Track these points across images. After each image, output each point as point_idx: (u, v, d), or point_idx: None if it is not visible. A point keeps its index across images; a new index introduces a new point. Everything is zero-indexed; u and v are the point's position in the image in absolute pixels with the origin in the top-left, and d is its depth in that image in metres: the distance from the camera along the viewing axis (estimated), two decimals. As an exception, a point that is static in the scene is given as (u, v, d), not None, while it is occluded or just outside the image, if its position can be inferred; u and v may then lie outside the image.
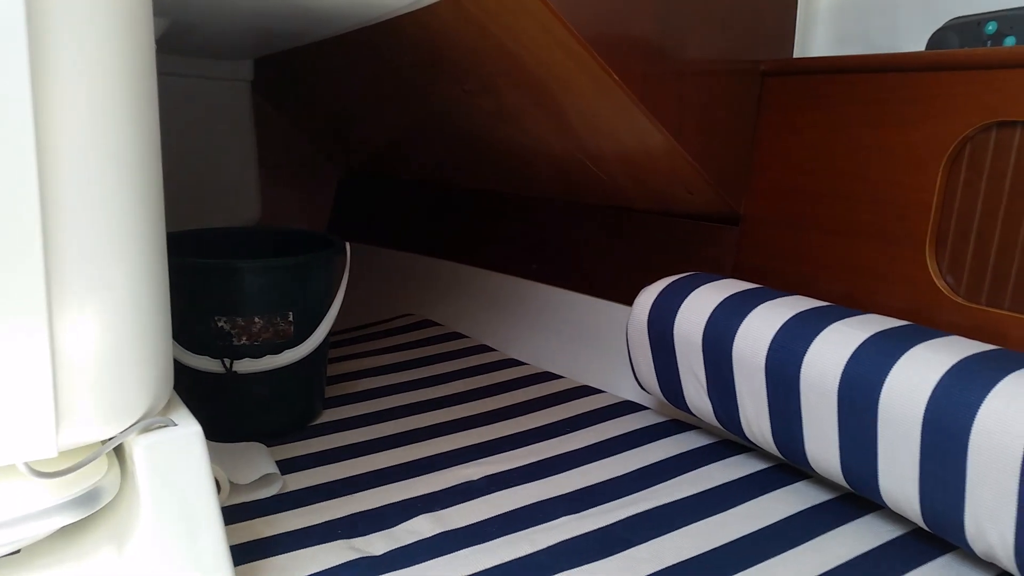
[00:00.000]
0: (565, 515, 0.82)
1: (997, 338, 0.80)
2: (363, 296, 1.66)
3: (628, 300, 1.19)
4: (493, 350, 1.36)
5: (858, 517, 0.81)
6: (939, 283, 0.86)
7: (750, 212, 1.07)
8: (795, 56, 1.06)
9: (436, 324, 1.49)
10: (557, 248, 1.34)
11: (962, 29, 0.86)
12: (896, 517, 0.81)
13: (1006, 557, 0.66)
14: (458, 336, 1.43)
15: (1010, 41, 0.81)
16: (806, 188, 1.00)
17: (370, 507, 0.84)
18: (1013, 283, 0.80)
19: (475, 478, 0.90)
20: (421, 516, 0.82)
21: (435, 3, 0.78)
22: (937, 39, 0.88)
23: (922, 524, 0.74)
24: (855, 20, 1.05)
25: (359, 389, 1.18)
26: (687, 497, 0.86)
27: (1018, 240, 0.80)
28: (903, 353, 0.74)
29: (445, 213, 1.59)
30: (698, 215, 1.12)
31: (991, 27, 0.83)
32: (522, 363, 1.29)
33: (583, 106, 0.99)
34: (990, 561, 0.69)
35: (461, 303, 1.51)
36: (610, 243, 1.24)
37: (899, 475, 0.73)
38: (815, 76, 0.97)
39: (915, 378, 0.71)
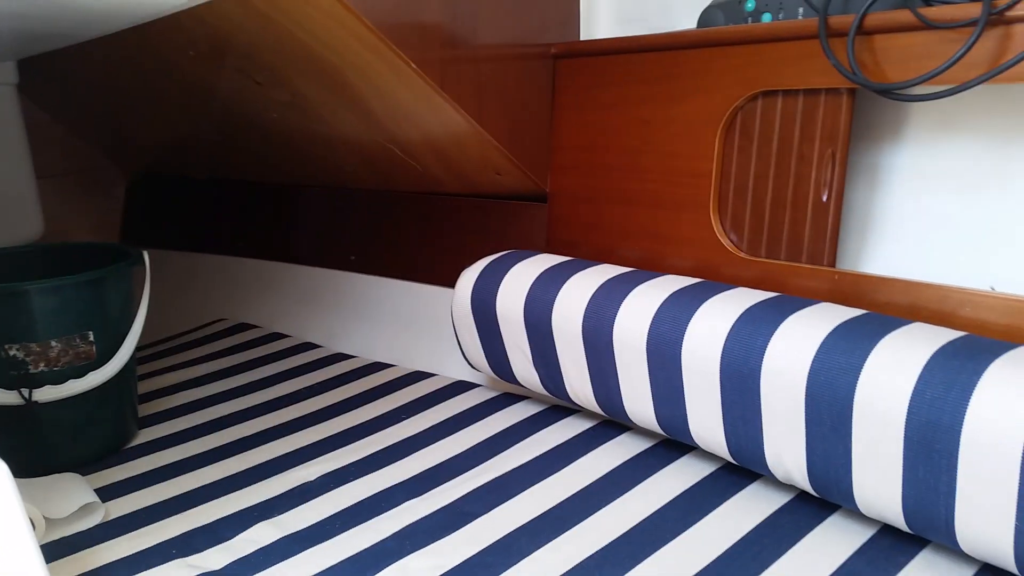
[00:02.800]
0: (408, 500, 0.84)
1: (777, 286, 0.90)
2: (171, 305, 1.57)
3: (450, 283, 1.21)
4: (318, 347, 1.33)
5: (676, 459, 0.89)
6: (724, 241, 0.94)
7: (555, 189, 1.12)
8: (582, 39, 1.12)
9: (253, 326, 1.44)
10: (374, 237, 1.33)
11: (726, 7, 0.94)
12: (708, 456, 0.89)
13: (801, 479, 0.76)
14: (279, 336, 1.39)
15: (767, 17, 0.90)
16: (602, 163, 1.06)
17: (204, 522, 0.81)
18: (786, 236, 0.90)
19: (312, 478, 0.89)
20: (259, 524, 0.80)
21: (217, -3, 0.76)
22: (706, 17, 0.96)
23: (730, 459, 0.83)
24: (634, 2, 1.12)
25: (177, 403, 1.12)
26: (524, 464, 0.90)
27: (787, 197, 0.89)
28: (698, 307, 0.81)
29: (252, 210, 1.54)
30: (509, 195, 1.16)
31: (750, 5, 0.92)
32: (350, 356, 1.28)
33: (384, 94, 0.99)
34: (789, 483, 0.78)
35: (279, 302, 1.47)
36: (427, 228, 1.26)
37: (706, 417, 0.81)
38: (600, 57, 1.04)
39: (710, 329, 0.79)
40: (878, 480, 0.68)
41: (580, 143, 1.08)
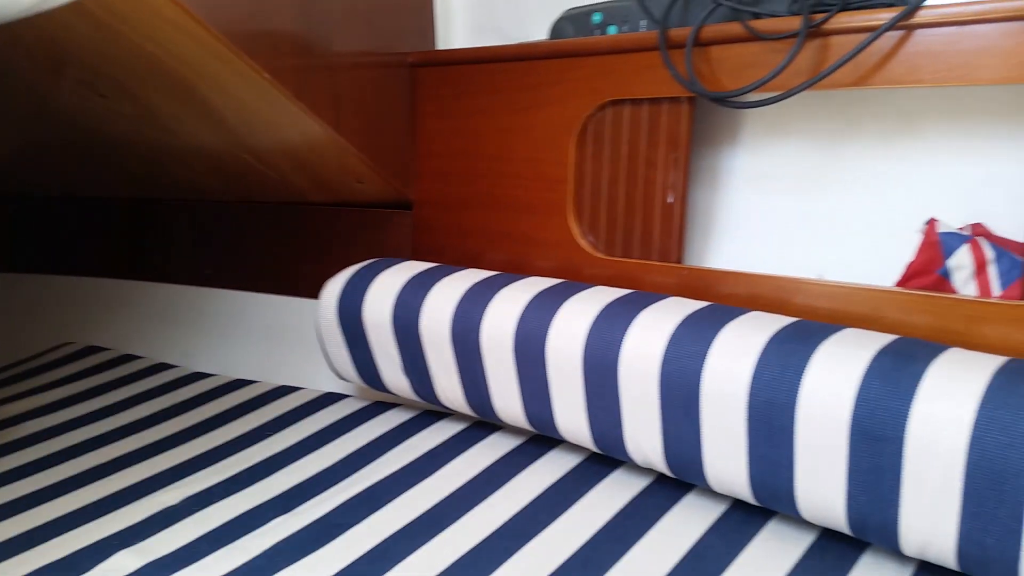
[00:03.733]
0: (277, 516, 0.82)
1: (632, 282, 0.95)
2: (21, 331, 1.46)
3: (314, 294, 1.19)
4: (174, 367, 1.28)
5: (544, 454, 0.92)
6: (582, 243, 0.99)
7: (420, 196, 1.13)
8: (439, 48, 1.14)
9: (103, 349, 1.37)
10: (232, 250, 1.30)
11: (575, 20, 0.99)
12: (575, 448, 0.92)
13: (659, 462, 0.80)
14: (131, 358, 1.32)
15: (613, 30, 0.95)
16: (465, 170, 1.08)
17: (59, 556, 0.76)
18: (638, 236, 0.95)
19: (175, 502, 0.86)
20: (120, 552, 0.76)
21: (55, 8, 0.72)
22: (557, 29, 1.00)
23: (595, 449, 0.86)
24: (487, 12, 1.14)
25: (23, 434, 1.05)
26: (396, 471, 0.90)
27: (637, 199, 0.94)
28: (560, 306, 0.84)
29: (99, 227, 1.46)
30: (372, 203, 1.16)
31: (597, 17, 0.96)
32: (209, 375, 1.24)
33: (237, 105, 0.97)
34: (648, 467, 0.83)
35: (132, 322, 1.40)
36: (289, 239, 1.23)
37: (571, 410, 0.84)
38: (460, 66, 1.06)
39: (571, 327, 0.82)
40: (727, 458, 0.74)
41: (444, 150, 1.10)
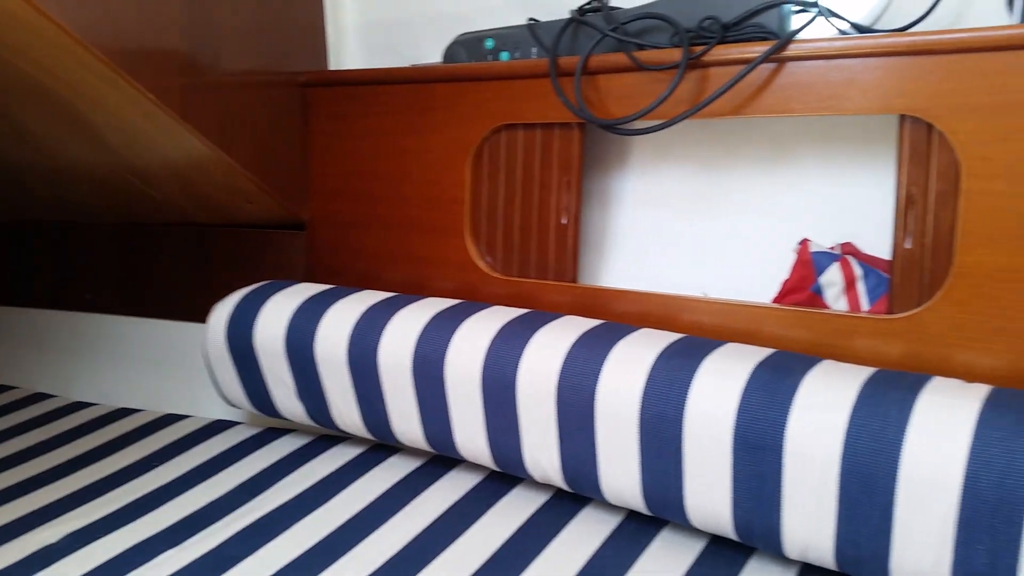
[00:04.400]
0: (166, 550, 0.79)
1: (530, 302, 0.97)
2: None
3: (202, 318, 1.15)
4: (52, 396, 1.21)
5: (444, 475, 0.92)
6: (480, 263, 1.00)
7: (314, 217, 1.12)
8: (331, 68, 1.13)
9: (-28, 380, 1.28)
10: (114, 274, 1.24)
11: (468, 45, 1.00)
12: (475, 467, 0.93)
13: (557, 477, 0.82)
14: (5, 388, 1.24)
15: (505, 56, 0.97)
16: (362, 190, 1.07)
17: (-81, 606, 0.71)
18: (534, 256, 0.97)
19: (55, 539, 0.81)
20: (-8, 598, 0.72)
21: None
22: (450, 53, 1.01)
23: (495, 467, 0.87)
24: (381, 34, 1.15)
25: None
26: (291, 499, 0.88)
27: (533, 220, 0.96)
28: (458, 327, 0.85)
29: (-35, 251, 1.37)
30: (264, 224, 1.14)
31: (490, 43, 0.98)
32: (91, 404, 1.18)
33: (120, 125, 0.94)
34: (547, 483, 0.84)
35: (4, 351, 1.31)
36: (175, 261, 1.19)
37: (470, 430, 0.85)
38: (351, 87, 1.05)
39: (470, 347, 0.83)
40: (621, 471, 0.76)
41: (339, 170, 1.09)
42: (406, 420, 0.89)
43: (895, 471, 0.62)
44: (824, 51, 0.74)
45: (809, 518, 0.67)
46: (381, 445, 1.00)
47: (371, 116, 1.05)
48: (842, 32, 0.78)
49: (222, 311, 1.00)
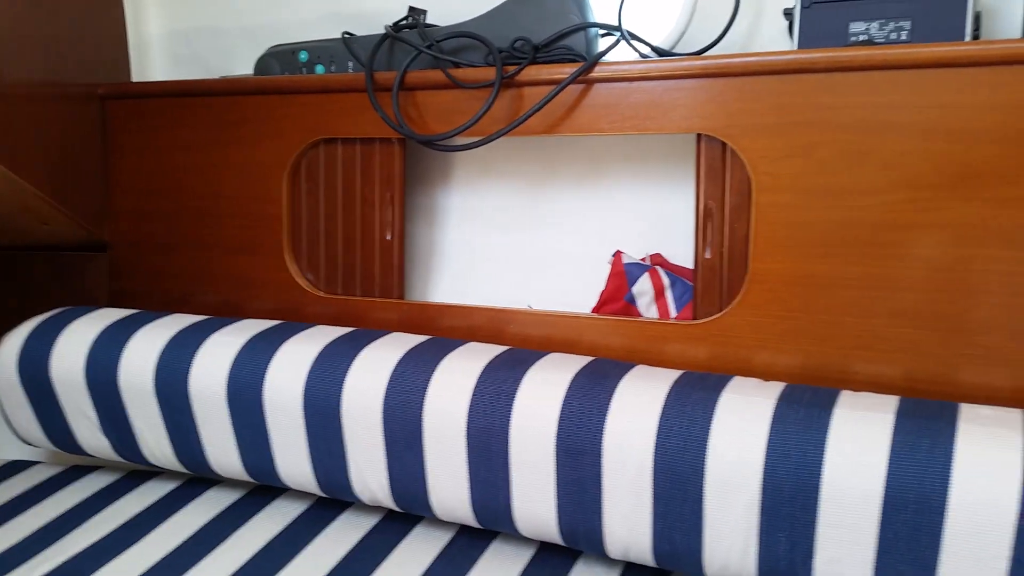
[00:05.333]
0: (-54, 614, 0.70)
1: (356, 320, 0.95)
2: None
3: (-11, 351, 1.04)
4: None
5: (267, 505, 0.88)
6: (301, 281, 0.97)
7: (117, 237, 1.04)
8: (134, 80, 1.06)
9: None
10: None
11: (281, 57, 0.97)
12: (300, 495, 0.90)
13: (386, 498, 0.80)
14: None
15: (320, 69, 0.95)
16: (170, 208, 1.01)
17: None
18: (359, 273, 0.96)
19: None
20: None
21: None
22: (262, 65, 0.98)
23: (321, 493, 0.84)
24: (187, 45, 1.09)
25: None
26: (98, 540, 0.81)
27: (356, 236, 0.95)
28: (277, 349, 0.82)
29: None
30: (61, 246, 1.05)
31: (303, 56, 0.96)
32: None
33: None
34: (376, 505, 0.83)
35: None
36: (-47, 290, 1.07)
37: (294, 456, 0.82)
38: (157, 99, 0.99)
39: (290, 369, 0.80)
40: (450, 486, 0.76)
41: (143, 188, 1.02)
42: (222, 450, 0.85)
43: (702, 468, 0.66)
44: (627, 74, 0.78)
45: (628, 518, 0.69)
46: (197, 478, 0.94)
47: (178, 130, 0.99)
48: (643, 55, 0.83)
49: (13, 342, 0.91)
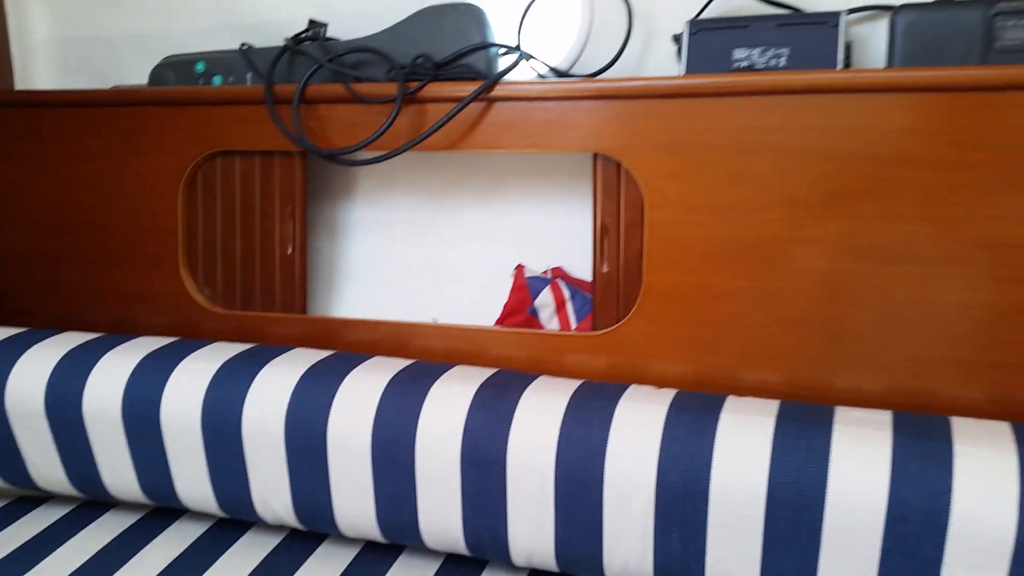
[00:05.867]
0: None
1: (256, 336, 0.94)
2: None
3: None
4: None
5: (166, 527, 0.85)
6: (197, 297, 0.95)
7: (2, 252, 0.99)
8: (17, 88, 1.02)
9: None
10: None
11: (177, 67, 0.95)
12: (200, 516, 0.88)
13: (290, 517, 0.80)
14: None
15: (218, 80, 0.93)
16: (57, 221, 0.97)
17: None
18: (259, 288, 0.94)
19: None
20: None
21: None
22: (157, 75, 0.95)
23: (222, 514, 0.83)
24: (77, 53, 1.05)
25: None
26: (-21, 576, 0.77)
27: (255, 251, 0.94)
28: (174, 368, 0.80)
29: None
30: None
31: (200, 67, 0.94)
32: None
33: None
34: (279, 524, 0.82)
35: None
36: None
37: (192, 477, 0.80)
38: (43, 109, 0.95)
39: (187, 387, 0.79)
40: (356, 502, 0.76)
41: (27, 201, 0.98)
42: (118, 472, 0.82)
43: (601, 474, 0.68)
44: (526, 93, 0.80)
45: (531, 525, 0.72)
46: (92, 502, 0.91)
47: (67, 141, 0.96)
48: (542, 76, 0.86)
49: None
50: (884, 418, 0.68)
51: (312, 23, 0.92)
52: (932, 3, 0.76)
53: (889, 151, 0.72)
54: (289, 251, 0.93)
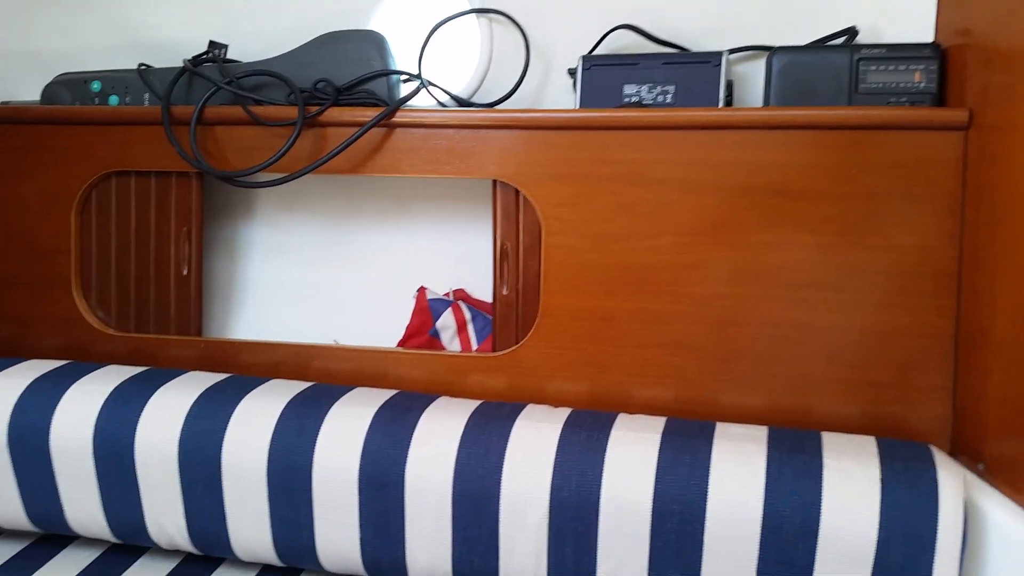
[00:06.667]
0: None
1: (150, 359, 0.92)
2: None
3: None
4: None
5: (56, 554, 0.82)
6: (90, 319, 0.92)
7: None
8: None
9: None
10: None
11: (71, 86, 0.93)
12: (92, 542, 0.85)
13: (184, 542, 0.79)
14: None
15: (114, 100, 0.92)
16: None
17: None
18: (154, 310, 0.93)
19: None
20: None
21: None
22: (50, 93, 0.93)
23: (114, 539, 0.81)
24: (-39, 64, 1.02)
25: None
26: None
27: (150, 272, 0.92)
28: (64, 391, 0.78)
29: None
30: None
31: (96, 86, 0.92)
32: None
33: None
34: (174, 549, 0.81)
35: None
36: None
37: (83, 502, 0.78)
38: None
39: (78, 412, 0.77)
40: (252, 526, 0.76)
41: (-97, 218, 0.94)
42: (4, 500, 0.79)
43: (498, 491, 0.70)
44: (426, 121, 0.83)
45: (429, 544, 0.73)
46: (-30, 533, 0.87)
47: (-52, 158, 0.92)
48: (442, 104, 0.88)
49: None
50: (761, 433, 0.72)
51: (212, 44, 0.91)
52: (805, 46, 0.83)
53: (767, 183, 0.78)
54: (185, 272, 0.92)
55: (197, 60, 0.90)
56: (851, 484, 0.66)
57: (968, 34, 0.75)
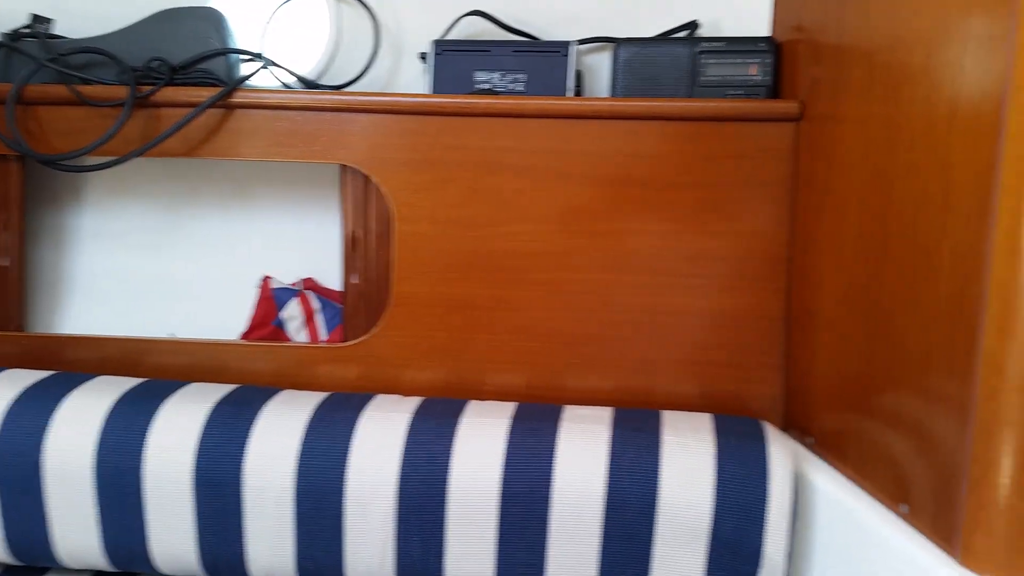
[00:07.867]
0: None
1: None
2: None
3: None
4: None
5: None
6: None
7: None
8: None
9: None
10: None
11: None
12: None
13: (2, 551, 0.72)
14: None
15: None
16: None
17: None
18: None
19: None
20: None
21: None
22: None
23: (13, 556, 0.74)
24: None
25: None
26: None
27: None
28: None
29: None
30: None
31: None
32: None
33: None
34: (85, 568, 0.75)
35: None
36: None
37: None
38: None
39: None
40: (79, 530, 0.70)
41: None
42: None
43: (342, 484, 0.68)
44: (267, 102, 0.79)
45: (270, 542, 0.70)
46: None
47: None
48: (287, 85, 0.85)
49: None
50: (605, 414, 0.73)
51: (35, 18, 0.84)
52: (650, 38, 0.85)
53: (616, 172, 0.79)
54: (5, 263, 0.84)
55: (16, 34, 0.82)
56: (688, 459, 0.68)
57: (801, 29, 0.79)
